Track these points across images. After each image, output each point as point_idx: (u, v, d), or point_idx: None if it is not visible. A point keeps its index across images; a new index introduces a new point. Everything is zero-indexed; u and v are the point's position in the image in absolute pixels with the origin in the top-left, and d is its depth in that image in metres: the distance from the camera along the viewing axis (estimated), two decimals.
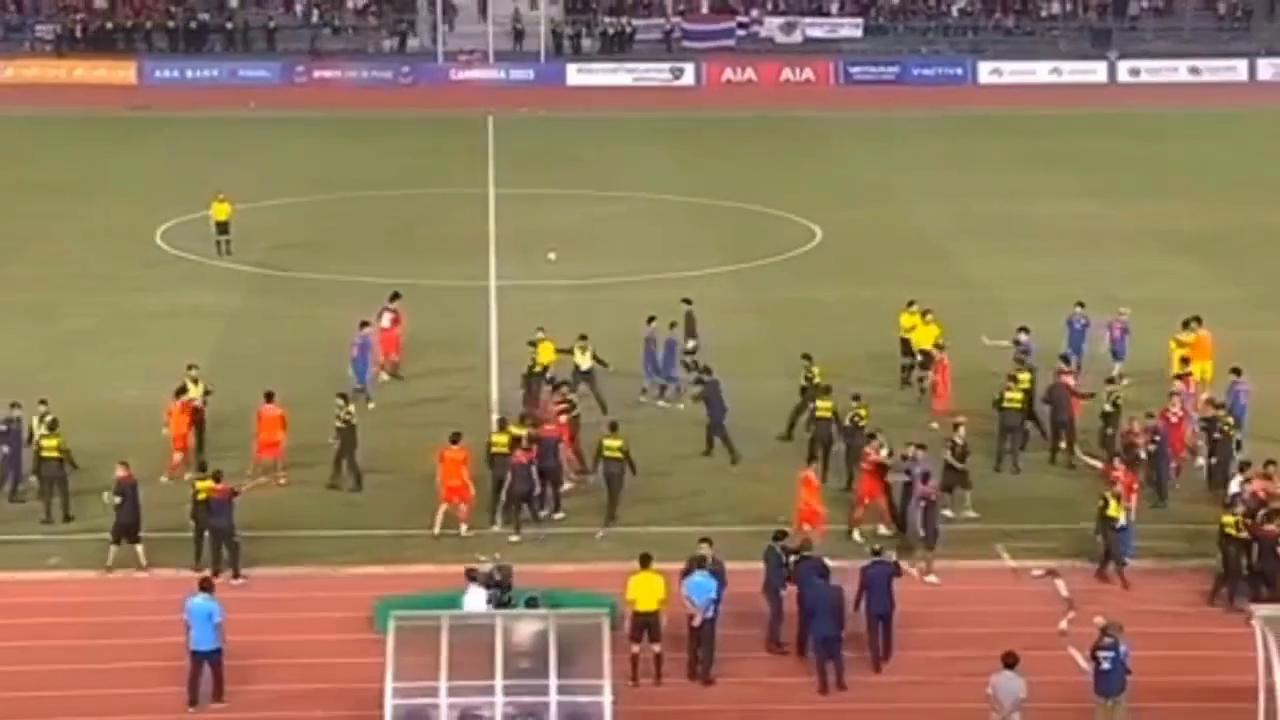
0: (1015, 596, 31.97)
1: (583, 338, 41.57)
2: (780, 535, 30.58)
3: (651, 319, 42.79)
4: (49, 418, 35.90)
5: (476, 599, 28.92)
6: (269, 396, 37.26)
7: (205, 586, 28.65)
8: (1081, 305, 44.39)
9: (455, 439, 35.11)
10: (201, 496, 32.81)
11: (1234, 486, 33.63)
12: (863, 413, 37.33)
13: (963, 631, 30.16)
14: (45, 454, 35.21)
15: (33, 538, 34.25)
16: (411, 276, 52.10)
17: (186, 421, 37.46)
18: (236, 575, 32.33)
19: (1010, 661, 26.54)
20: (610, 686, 25.49)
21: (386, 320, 43.92)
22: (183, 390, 37.96)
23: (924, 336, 43.51)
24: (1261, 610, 27.04)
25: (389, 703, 25.39)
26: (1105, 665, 26.77)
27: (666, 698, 28.53)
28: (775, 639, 30.05)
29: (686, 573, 29.40)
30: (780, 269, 56.64)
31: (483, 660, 25.39)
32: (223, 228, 57.11)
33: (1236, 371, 40.00)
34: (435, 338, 46.25)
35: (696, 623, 28.94)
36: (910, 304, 44.36)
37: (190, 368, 39.07)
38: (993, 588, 32.52)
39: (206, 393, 38.50)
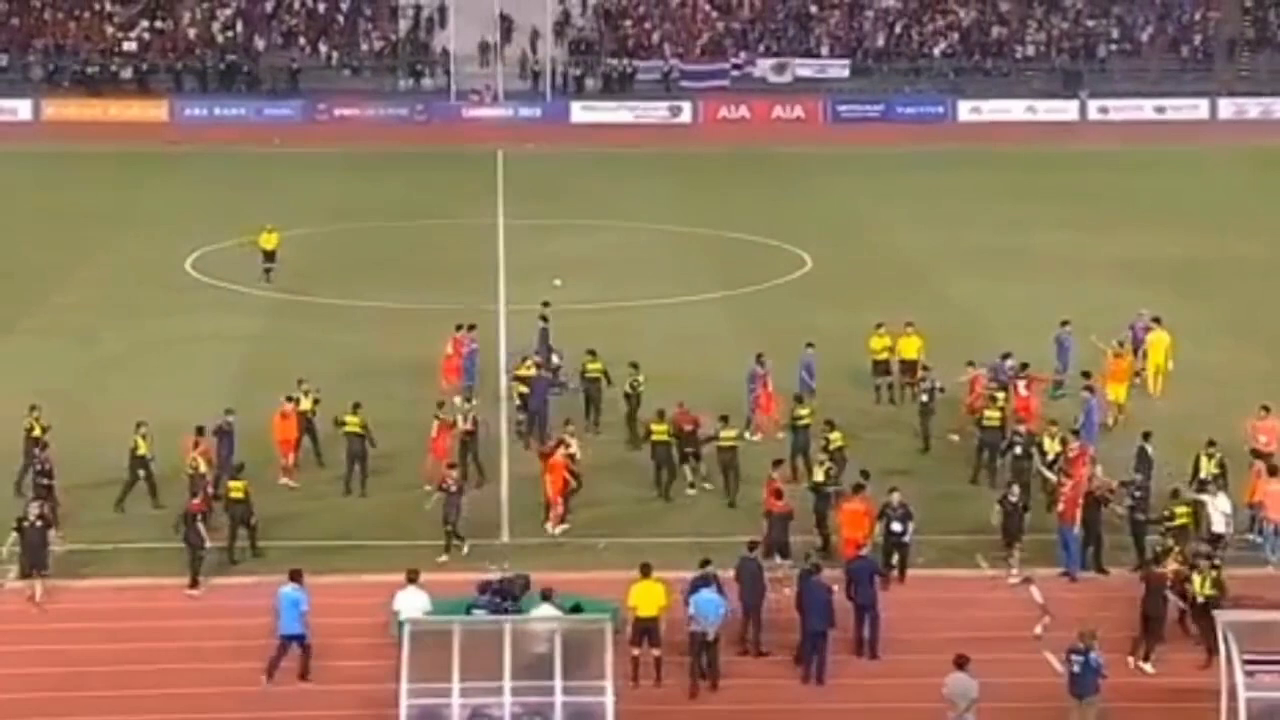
0: (994, 603, 31.88)
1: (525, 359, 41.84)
2: (753, 546, 30.44)
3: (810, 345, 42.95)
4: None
5: (412, 600, 28.88)
6: (200, 430, 36.62)
7: (294, 577, 29.02)
8: (1066, 324, 44.44)
9: (558, 445, 35.74)
10: (233, 495, 33.37)
11: (1218, 525, 32.34)
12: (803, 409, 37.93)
13: (946, 636, 29.95)
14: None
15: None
16: (426, 302, 52.04)
17: (289, 428, 38.04)
18: (193, 585, 32.22)
19: (961, 662, 26.47)
20: (612, 688, 25.36)
21: (449, 347, 44.07)
22: (288, 400, 38.48)
23: (908, 347, 43.50)
24: (1225, 615, 26.98)
25: (404, 702, 25.32)
26: (1075, 669, 26.77)
27: (665, 699, 28.44)
28: (755, 642, 29.89)
29: (693, 590, 29.11)
30: (772, 295, 56.58)
31: (492, 662, 25.31)
32: (269, 256, 57.72)
33: (1086, 375, 40.11)
34: None
35: (710, 637, 28.72)
36: (878, 326, 44.39)
37: (300, 382, 39.40)
38: (973, 594, 32.45)
39: (315, 402, 39.04)
